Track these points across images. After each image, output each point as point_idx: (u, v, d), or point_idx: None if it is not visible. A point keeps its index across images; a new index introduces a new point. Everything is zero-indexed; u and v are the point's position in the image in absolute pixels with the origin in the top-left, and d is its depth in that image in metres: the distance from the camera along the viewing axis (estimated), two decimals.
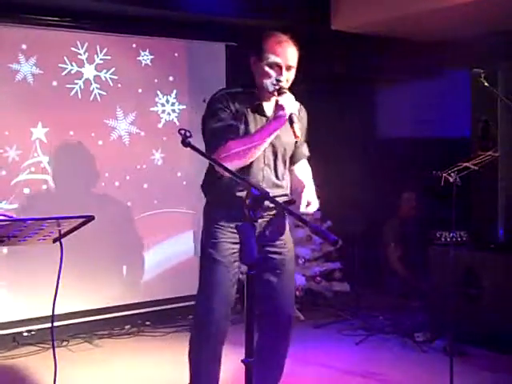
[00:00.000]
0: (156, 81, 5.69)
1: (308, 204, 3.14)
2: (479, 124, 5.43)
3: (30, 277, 4.97)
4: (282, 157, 3.26)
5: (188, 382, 3.31)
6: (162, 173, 5.68)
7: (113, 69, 5.45)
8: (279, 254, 3.28)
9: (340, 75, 6.30)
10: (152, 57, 5.64)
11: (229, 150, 3.03)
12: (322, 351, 4.93)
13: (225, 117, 3.10)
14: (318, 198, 3.24)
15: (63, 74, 5.22)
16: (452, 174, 3.73)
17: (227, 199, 3.13)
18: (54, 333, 2.14)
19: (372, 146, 6.59)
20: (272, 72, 3.09)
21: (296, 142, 3.29)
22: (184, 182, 5.82)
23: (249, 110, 3.15)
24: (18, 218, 1.88)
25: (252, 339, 2.40)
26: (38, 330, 5.03)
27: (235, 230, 2.52)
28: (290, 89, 3.16)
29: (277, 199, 2.77)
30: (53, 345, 2.07)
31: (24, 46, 5.04)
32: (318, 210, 5.98)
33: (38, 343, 4.99)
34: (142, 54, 5.60)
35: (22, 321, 5.04)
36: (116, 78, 5.46)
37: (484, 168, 3.94)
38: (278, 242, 3.28)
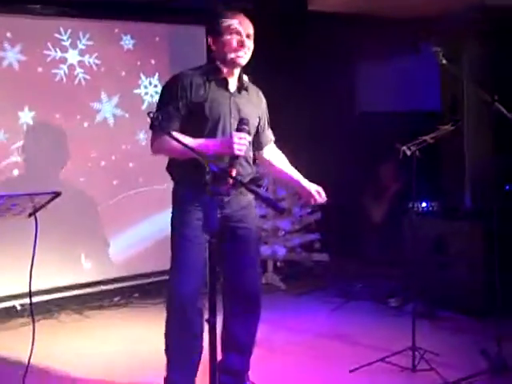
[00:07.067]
0: (139, 63, 5.87)
1: (318, 193, 3.36)
2: (448, 98, 5.65)
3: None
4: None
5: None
6: (146, 152, 5.84)
7: (96, 53, 5.63)
8: (244, 227, 3.38)
9: (319, 52, 6.45)
10: (134, 41, 5.82)
11: (163, 144, 3.22)
12: (300, 318, 5.19)
13: (175, 102, 3.21)
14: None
15: (48, 60, 5.41)
16: (412, 148, 3.95)
17: (193, 178, 3.17)
18: (33, 308, 2.40)
19: (351, 119, 6.78)
20: (233, 40, 3.19)
21: (259, 121, 3.43)
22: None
23: (212, 84, 3.23)
24: None
25: (215, 299, 2.50)
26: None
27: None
28: (250, 63, 3.28)
29: (243, 176, 2.99)
30: (32, 318, 2.31)
31: (9, 34, 5.23)
32: None
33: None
34: (124, 38, 5.79)
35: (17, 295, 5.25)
36: (99, 62, 5.65)
37: (442, 141, 4.17)
38: (241, 214, 3.37)
